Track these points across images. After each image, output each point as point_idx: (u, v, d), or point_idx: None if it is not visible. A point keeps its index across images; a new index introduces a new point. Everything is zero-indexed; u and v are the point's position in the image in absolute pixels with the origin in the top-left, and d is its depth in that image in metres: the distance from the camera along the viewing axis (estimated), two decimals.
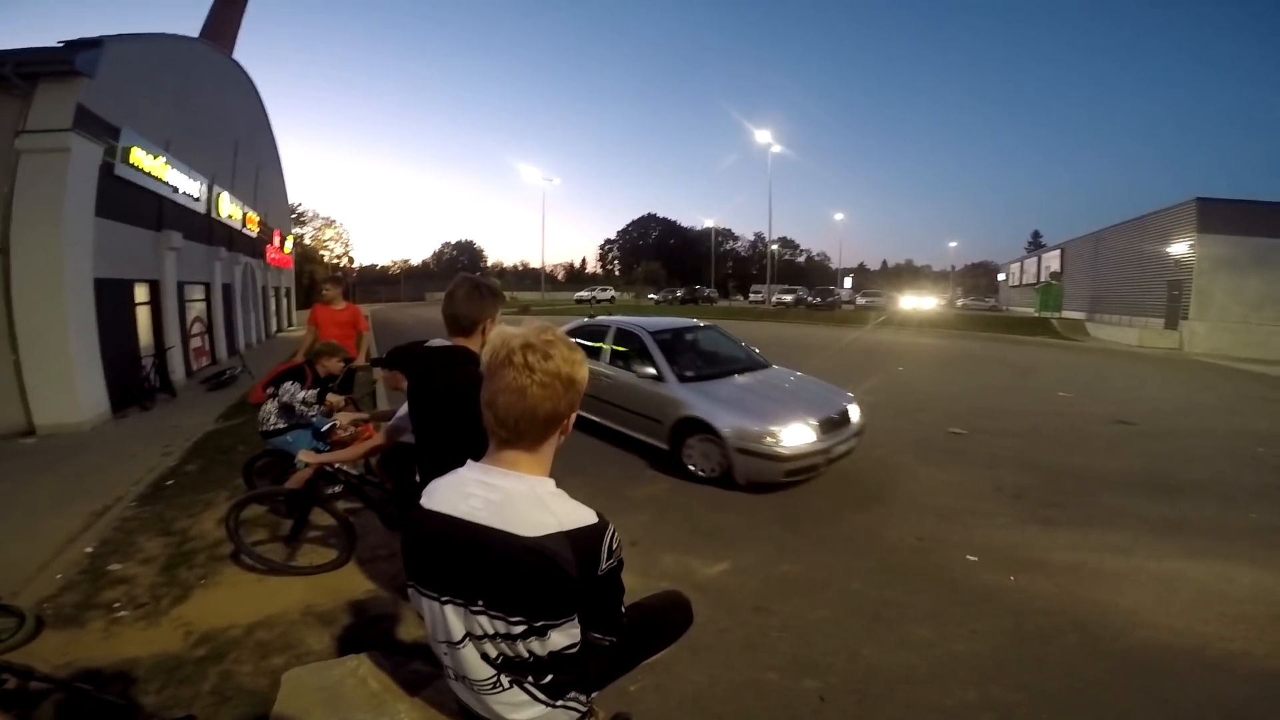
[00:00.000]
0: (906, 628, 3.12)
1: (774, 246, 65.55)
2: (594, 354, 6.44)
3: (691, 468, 5.30)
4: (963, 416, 8.24)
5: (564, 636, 1.16)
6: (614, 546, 1.17)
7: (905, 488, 5.31)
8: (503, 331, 1.16)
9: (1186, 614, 3.31)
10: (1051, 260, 39.05)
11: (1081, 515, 4.78)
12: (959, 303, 48.18)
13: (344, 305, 5.88)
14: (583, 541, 1.11)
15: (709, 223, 72.30)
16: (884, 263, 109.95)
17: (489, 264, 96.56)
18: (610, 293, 50.67)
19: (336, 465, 3.21)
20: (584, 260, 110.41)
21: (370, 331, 6.38)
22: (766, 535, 4.23)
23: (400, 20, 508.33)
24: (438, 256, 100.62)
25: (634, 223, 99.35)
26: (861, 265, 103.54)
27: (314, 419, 4.06)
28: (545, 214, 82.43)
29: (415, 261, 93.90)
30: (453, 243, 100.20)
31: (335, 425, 3.62)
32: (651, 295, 53.44)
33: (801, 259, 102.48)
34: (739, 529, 4.33)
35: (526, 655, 1.14)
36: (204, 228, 12.65)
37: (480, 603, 1.12)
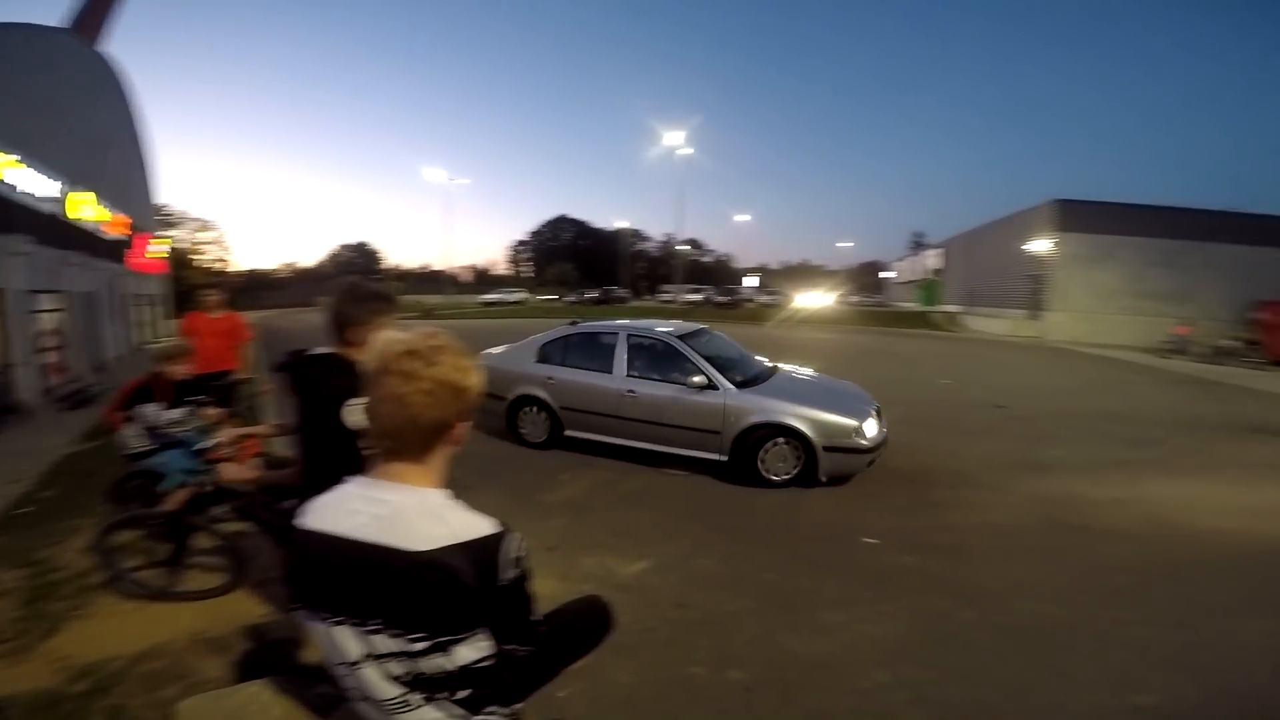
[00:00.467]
0: (819, 614, 3.28)
1: (683, 247, 66.93)
2: (603, 368, 6.02)
3: (767, 475, 5.23)
4: None
5: (472, 650, 1.10)
6: (517, 555, 1.12)
7: None
8: (385, 337, 1.11)
9: (1061, 586, 3.67)
10: (932, 258, 42.40)
11: (965, 496, 5.22)
12: (851, 299, 51.30)
13: (223, 313, 5.46)
14: (481, 552, 1.06)
15: (621, 224, 72.76)
16: (784, 262, 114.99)
17: (388, 266, 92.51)
18: (520, 295, 49.72)
19: (218, 484, 2.97)
20: (493, 262, 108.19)
21: (253, 341, 5.94)
22: (682, 531, 4.33)
23: (290, 18, 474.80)
24: (332, 259, 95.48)
25: (546, 224, 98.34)
26: (764, 265, 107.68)
27: (188, 436, 3.68)
28: (452, 215, 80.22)
29: (306, 264, 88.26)
30: (350, 245, 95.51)
31: (215, 443, 3.31)
32: (545, 296, 52.84)
33: (709, 259, 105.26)
34: (656, 527, 4.41)
35: (435, 671, 1.09)
36: (59, 231, 11.27)
37: (376, 621, 1.07)
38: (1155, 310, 21.76)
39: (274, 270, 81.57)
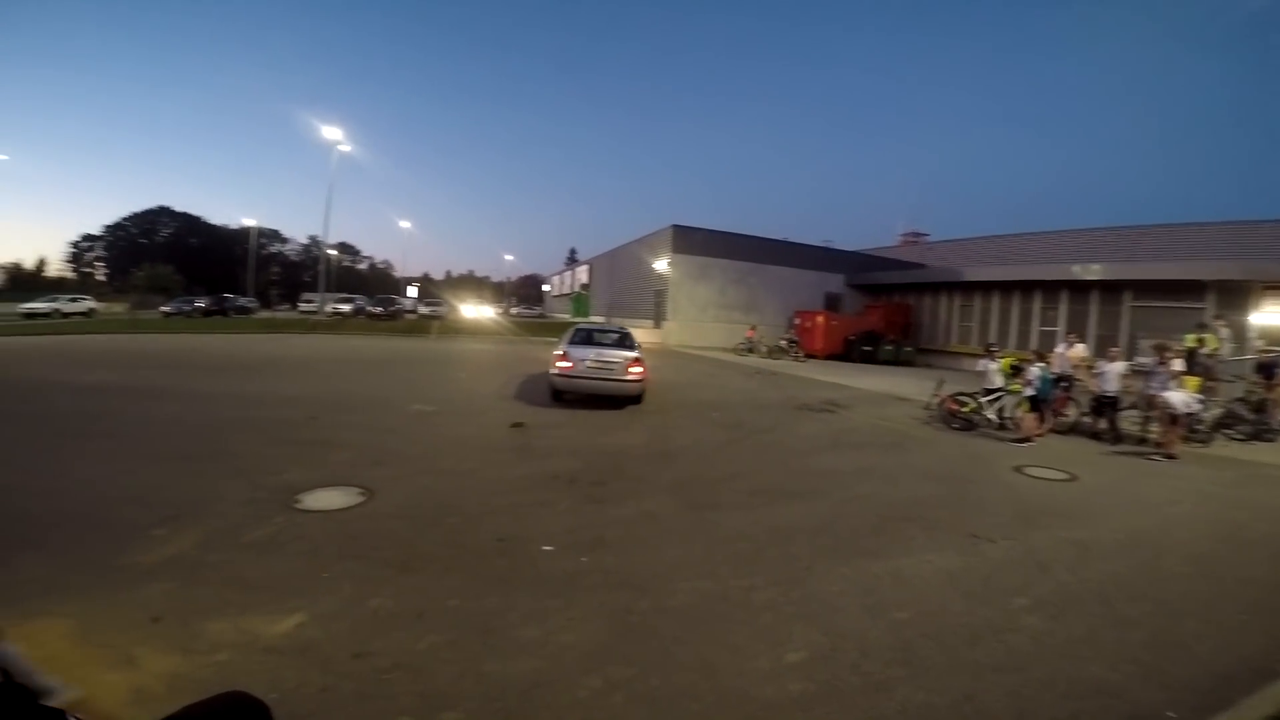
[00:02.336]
0: (516, 632, 3.20)
1: (332, 251, 59.90)
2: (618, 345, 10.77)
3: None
4: (520, 413, 9.14)
5: None
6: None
7: (477, 491, 5.55)
8: None
9: (705, 561, 4.23)
10: (582, 274, 46.87)
11: (619, 490, 5.78)
12: (513, 311, 53.38)
13: None
14: None
15: (249, 221, 60.95)
16: (448, 272, 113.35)
17: None
18: (87, 303, 37.05)
19: None
20: (43, 261, 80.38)
21: None
22: (340, 572, 3.80)
23: None
24: None
25: (135, 216, 76.78)
26: (426, 275, 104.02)
27: None
28: None
29: None
30: None
31: None
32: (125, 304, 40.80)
33: (364, 266, 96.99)
34: (304, 573, 3.76)
35: None
36: None
37: None
38: (734, 319, 28.02)
39: None
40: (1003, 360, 10.36)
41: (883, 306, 28.02)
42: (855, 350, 24.16)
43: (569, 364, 10.00)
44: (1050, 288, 21.73)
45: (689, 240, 28.00)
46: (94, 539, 4.08)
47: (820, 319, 25.41)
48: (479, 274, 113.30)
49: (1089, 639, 3.45)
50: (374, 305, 40.97)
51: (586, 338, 11.18)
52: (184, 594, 3.43)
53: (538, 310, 55.75)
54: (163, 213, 77.87)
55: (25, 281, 69.59)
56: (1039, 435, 9.30)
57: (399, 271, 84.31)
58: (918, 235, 45.91)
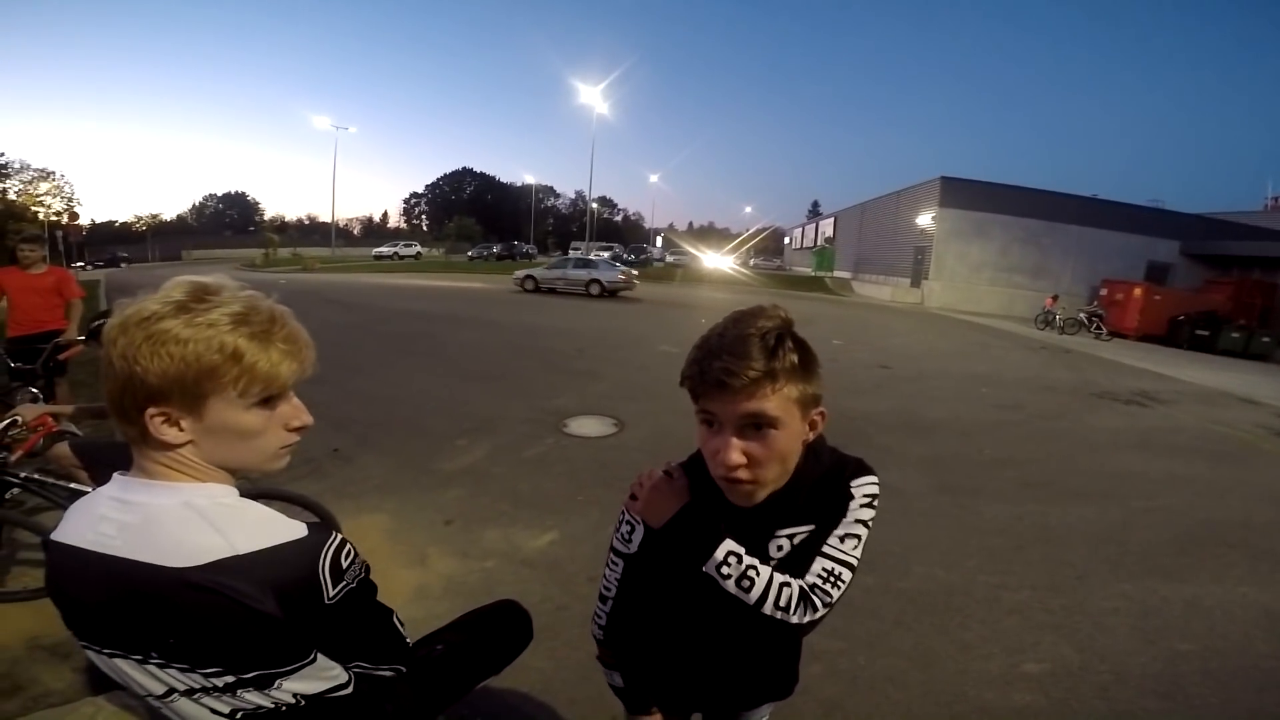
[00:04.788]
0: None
1: (594, 205, 65.87)
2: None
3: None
4: None
5: (310, 682, 0.88)
6: (344, 564, 0.88)
7: None
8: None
9: (951, 550, 3.81)
10: (826, 227, 44.37)
11: (863, 457, 5.43)
12: (751, 263, 53.12)
13: (45, 269, 4.87)
14: (281, 566, 0.81)
15: (529, 179, 70.29)
16: (690, 224, 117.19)
17: (267, 218, 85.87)
18: (416, 248, 47.19)
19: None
20: (385, 214, 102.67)
21: (83, 299, 5.16)
22: (592, 499, 4.20)
23: None
24: (198, 210, 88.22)
25: (446, 176, 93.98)
26: (671, 225, 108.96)
27: None
28: (338, 164, 72.85)
29: (169, 216, 79.88)
30: (218, 195, 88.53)
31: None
32: (433, 249, 50.84)
33: (619, 218, 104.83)
34: (563, 495, 4.26)
35: (264, 707, 0.86)
36: None
37: (152, 654, 0.82)
38: (1015, 283, 24.02)
39: (128, 222, 73.28)
40: None
41: (1234, 283, 21.42)
42: (1184, 333, 18.95)
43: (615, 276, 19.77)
44: None
45: (960, 193, 24.45)
46: (416, 445, 5.08)
47: (1138, 291, 20.36)
48: (718, 225, 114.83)
49: None
50: (627, 253, 44.52)
51: (585, 264, 20.66)
52: (471, 501, 4.08)
53: (776, 263, 54.73)
54: (466, 173, 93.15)
55: (374, 231, 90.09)
56: None
57: (648, 223, 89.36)
58: None
